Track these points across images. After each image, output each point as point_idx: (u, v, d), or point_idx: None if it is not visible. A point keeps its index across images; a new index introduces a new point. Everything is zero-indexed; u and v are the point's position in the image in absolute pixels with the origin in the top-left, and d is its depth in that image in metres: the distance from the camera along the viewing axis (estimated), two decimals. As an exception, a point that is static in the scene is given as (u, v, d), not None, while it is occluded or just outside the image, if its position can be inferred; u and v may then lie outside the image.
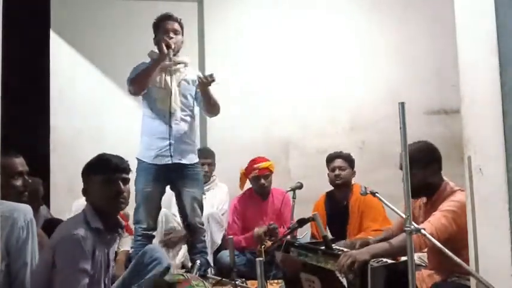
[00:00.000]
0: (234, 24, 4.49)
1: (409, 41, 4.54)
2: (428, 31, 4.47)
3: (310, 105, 4.44)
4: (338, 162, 3.49)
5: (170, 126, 3.08)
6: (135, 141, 3.64)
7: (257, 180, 3.61)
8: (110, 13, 4.40)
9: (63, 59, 4.28)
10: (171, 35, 3.10)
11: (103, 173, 2.12)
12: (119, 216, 2.23)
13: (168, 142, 3.07)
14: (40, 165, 3.81)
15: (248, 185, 3.76)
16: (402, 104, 1.71)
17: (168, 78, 3.12)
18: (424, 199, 2.52)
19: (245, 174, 3.65)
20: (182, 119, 3.13)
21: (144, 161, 3.09)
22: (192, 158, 3.19)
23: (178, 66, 3.17)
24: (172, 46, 3.05)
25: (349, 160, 3.53)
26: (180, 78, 3.17)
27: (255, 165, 3.57)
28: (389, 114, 4.13)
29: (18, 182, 2.22)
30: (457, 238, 2.18)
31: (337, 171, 3.47)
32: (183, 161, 3.11)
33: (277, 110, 4.43)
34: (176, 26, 3.15)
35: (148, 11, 4.06)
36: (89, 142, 4.15)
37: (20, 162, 2.25)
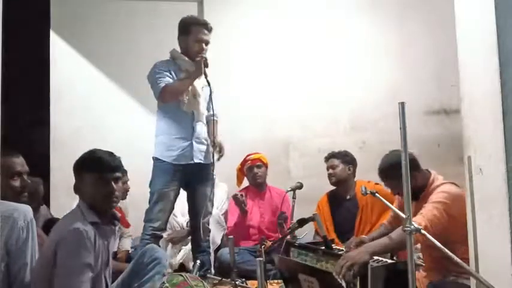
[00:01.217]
0: (234, 24, 4.48)
1: (409, 41, 4.54)
2: (429, 31, 4.47)
3: (310, 105, 4.44)
4: (331, 161, 3.61)
5: (193, 128, 3.14)
6: (135, 140, 3.66)
7: (251, 171, 3.84)
8: (110, 13, 4.40)
9: (63, 59, 4.28)
10: (204, 46, 3.14)
11: (94, 172, 2.10)
12: (114, 210, 2.22)
13: (190, 143, 3.12)
14: (40, 165, 3.82)
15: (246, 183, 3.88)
16: (402, 104, 1.71)
17: (195, 82, 3.13)
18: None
19: (240, 169, 3.90)
20: (202, 121, 3.20)
21: (164, 161, 3.11)
22: (208, 158, 3.24)
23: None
24: (208, 64, 3.09)
25: (343, 157, 3.60)
26: (203, 83, 3.20)
27: (248, 158, 3.86)
28: (389, 114, 4.14)
29: (17, 183, 2.20)
30: (450, 231, 2.20)
31: (330, 171, 3.59)
32: (203, 161, 3.18)
33: (277, 110, 4.43)
34: (208, 36, 3.18)
35: (149, 11, 4.08)
36: (89, 142, 4.09)
37: (19, 163, 2.24)
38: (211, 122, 3.30)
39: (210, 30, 3.19)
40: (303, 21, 4.50)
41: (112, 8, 4.43)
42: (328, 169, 3.61)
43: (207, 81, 3.15)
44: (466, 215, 2.37)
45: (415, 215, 2.39)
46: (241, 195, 3.71)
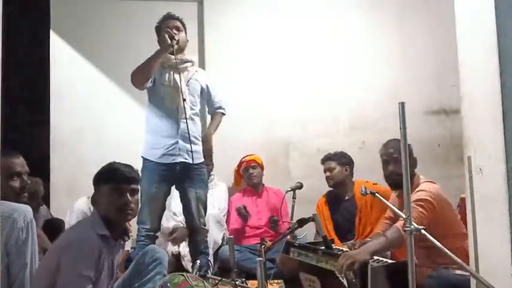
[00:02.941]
0: (234, 24, 4.48)
1: (409, 41, 4.54)
2: (429, 31, 4.47)
3: (310, 105, 4.44)
4: (327, 164, 3.62)
5: (178, 125, 3.07)
6: (135, 140, 3.64)
7: (246, 172, 3.99)
8: (110, 13, 4.40)
9: (63, 59, 4.28)
10: (173, 31, 3.08)
11: (110, 183, 2.11)
12: (127, 225, 2.23)
13: (175, 140, 3.06)
14: (40, 165, 3.82)
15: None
16: (402, 104, 1.71)
17: (176, 76, 3.09)
18: (396, 192, 2.67)
19: (237, 171, 4.07)
20: (190, 118, 3.10)
21: (150, 160, 3.07)
22: (198, 157, 3.17)
23: (185, 64, 3.16)
24: (176, 38, 3.04)
25: (340, 159, 3.62)
26: (189, 77, 3.16)
27: (243, 159, 4.01)
28: (389, 114, 4.14)
29: (16, 183, 2.21)
30: (435, 226, 2.27)
31: (327, 173, 3.61)
32: (190, 160, 3.09)
33: (277, 110, 4.42)
34: (177, 24, 3.15)
35: (148, 11, 4.07)
36: (89, 142, 4.15)
37: (19, 163, 2.24)
38: (213, 115, 3.31)
39: (176, 18, 3.16)
40: (303, 21, 4.49)
41: (112, 8, 4.42)
42: (325, 172, 3.61)
43: (186, 60, 3.13)
44: (446, 210, 2.47)
45: (401, 209, 2.44)
46: (244, 208, 3.85)
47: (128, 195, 2.11)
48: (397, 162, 2.55)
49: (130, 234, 3.49)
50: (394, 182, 2.62)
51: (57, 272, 1.94)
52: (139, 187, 2.21)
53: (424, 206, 2.38)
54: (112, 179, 2.12)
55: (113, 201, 2.09)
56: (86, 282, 1.95)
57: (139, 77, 3.03)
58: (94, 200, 2.17)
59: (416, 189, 2.47)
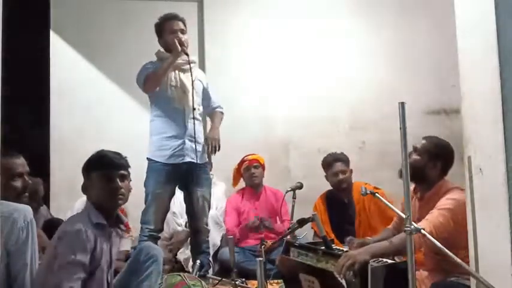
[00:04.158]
0: (234, 24, 4.49)
1: (409, 41, 4.54)
2: (429, 31, 4.48)
3: (310, 105, 4.44)
4: (339, 166, 3.52)
5: (185, 125, 3.09)
6: (136, 140, 3.66)
7: (247, 171, 3.87)
8: (110, 13, 4.40)
9: (63, 59, 4.28)
10: (180, 34, 3.10)
11: (100, 169, 2.13)
12: (120, 213, 2.23)
13: (182, 141, 3.08)
14: (40, 165, 3.82)
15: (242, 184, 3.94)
16: (402, 104, 1.70)
17: (183, 77, 3.12)
18: (418, 195, 2.53)
19: (237, 170, 3.93)
20: (196, 118, 3.13)
21: (157, 161, 3.09)
22: (204, 157, 3.20)
23: (191, 65, 3.17)
24: (185, 44, 3.07)
25: (346, 161, 3.56)
26: (194, 78, 3.17)
27: (245, 158, 3.89)
28: (389, 114, 4.13)
29: (18, 183, 2.20)
30: (455, 237, 2.17)
31: (340, 176, 3.49)
32: (196, 160, 3.12)
33: (277, 110, 4.43)
34: (182, 25, 3.15)
35: (148, 11, 4.08)
36: (89, 142, 4.14)
37: (20, 163, 2.24)
38: (213, 115, 3.31)
39: (182, 20, 3.16)
40: (303, 21, 4.50)
41: (112, 8, 4.43)
42: (337, 174, 3.49)
43: (192, 61, 3.14)
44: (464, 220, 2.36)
45: (421, 215, 2.37)
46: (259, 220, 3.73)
47: (118, 180, 2.12)
48: (421, 155, 2.41)
49: (130, 230, 3.54)
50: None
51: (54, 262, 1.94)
52: (128, 173, 2.21)
53: (446, 215, 2.24)
54: (101, 166, 2.13)
55: (103, 187, 2.10)
56: (78, 267, 1.93)
57: (153, 85, 3.07)
58: (84, 188, 2.17)
59: (447, 196, 2.32)
